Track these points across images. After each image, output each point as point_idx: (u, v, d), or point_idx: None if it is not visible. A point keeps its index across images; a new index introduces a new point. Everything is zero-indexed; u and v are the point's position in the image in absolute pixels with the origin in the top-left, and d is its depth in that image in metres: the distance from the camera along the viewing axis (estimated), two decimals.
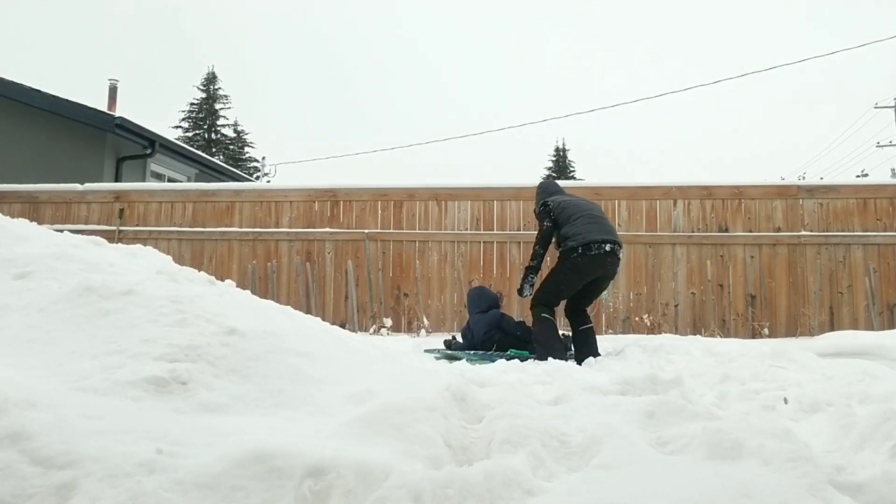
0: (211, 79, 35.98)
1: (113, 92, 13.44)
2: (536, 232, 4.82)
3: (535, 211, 5.01)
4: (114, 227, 7.99)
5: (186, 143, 28.67)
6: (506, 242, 7.55)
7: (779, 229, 7.21)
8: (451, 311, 7.49)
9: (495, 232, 7.56)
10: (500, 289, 6.94)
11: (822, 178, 22.86)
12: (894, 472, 1.76)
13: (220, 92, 36.04)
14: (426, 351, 4.93)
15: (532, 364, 3.89)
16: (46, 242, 3.07)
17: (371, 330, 7.10)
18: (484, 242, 7.57)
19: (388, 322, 7.25)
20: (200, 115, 35.70)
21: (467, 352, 4.88)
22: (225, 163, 23.66)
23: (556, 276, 4.64)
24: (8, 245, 2.88)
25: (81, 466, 1.42)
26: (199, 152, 14.53)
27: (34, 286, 2.54)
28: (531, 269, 4.71)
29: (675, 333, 6.80)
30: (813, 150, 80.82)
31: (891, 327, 6.53)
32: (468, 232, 7.59)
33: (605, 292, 5.09)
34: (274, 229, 7.87)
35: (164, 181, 11.97)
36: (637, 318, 7.15)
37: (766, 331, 6.95)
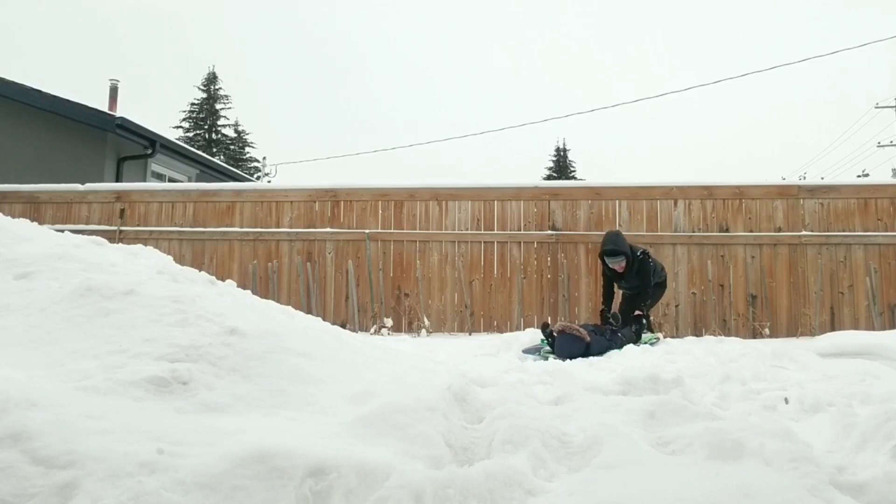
0: (211, 79, 35.97)
1: (114, 92, 13.44)
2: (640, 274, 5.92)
3: (629, 255, 5.84)
4: (115, 228, 7.99)
5: (187, 143, 28.67)
6: (506, 242, 7.54)
7: (780, 229, 7.21)
8: (452, 311, 7.49)
9: (496, 232, 7.55)
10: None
11: (822, 178, 22.89)
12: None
13: (221, 92, 36.05)
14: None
15: (533, 364, 4.07)
16: (48, 242, 3.07)
17: (372, 330, 7.10)
18: (485, 242, 7.56)
19: (389, 322, 7.25)
20: (201, 116, 35.69)
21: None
22: (226, 163, 23.67)
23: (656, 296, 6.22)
24: (9, 245, 2.88)
25: (83, 466, 1.42)
26: (200, 152, 14.52)
27: (36, 286, 2.54)
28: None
29: (676, 334, 6.81)
30: (813, 150, 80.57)
31: (892, 327, 6.51)
32: (469, 232, 7.58)
33: None
34: (275, 229, 7.87)
35: (164, 181, 11.96)
36: None
37: (766, 331, 6.94)
